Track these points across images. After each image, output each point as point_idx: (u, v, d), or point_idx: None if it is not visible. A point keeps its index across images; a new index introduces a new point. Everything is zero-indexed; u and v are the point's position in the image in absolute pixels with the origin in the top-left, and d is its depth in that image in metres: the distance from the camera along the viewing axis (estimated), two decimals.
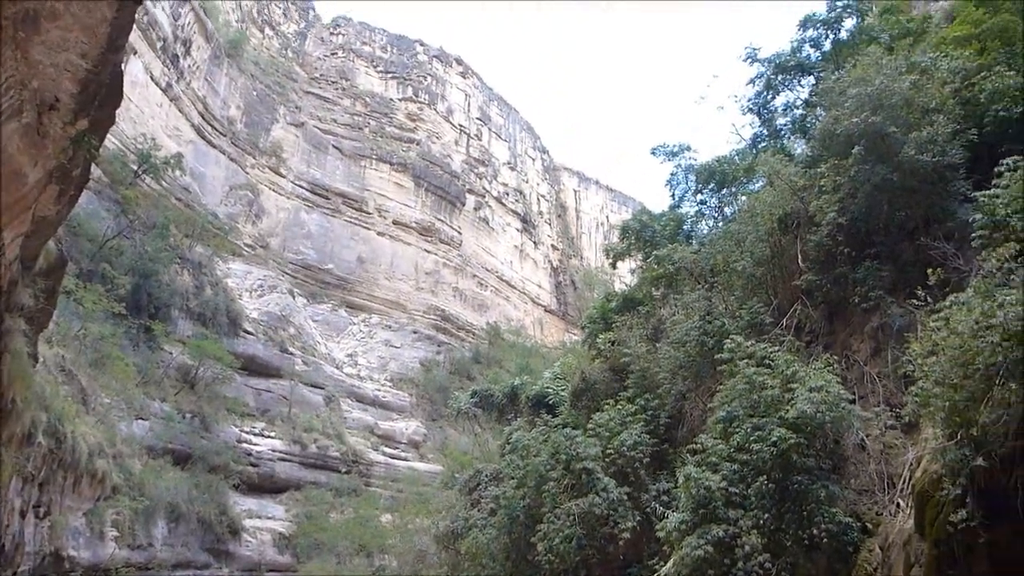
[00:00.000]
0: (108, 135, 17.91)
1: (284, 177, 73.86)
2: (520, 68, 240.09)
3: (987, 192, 11.77)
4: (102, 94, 13.55)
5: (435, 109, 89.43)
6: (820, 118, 19.87)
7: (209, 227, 59.09)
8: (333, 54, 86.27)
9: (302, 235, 73.60)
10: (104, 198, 46.33)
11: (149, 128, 54.72)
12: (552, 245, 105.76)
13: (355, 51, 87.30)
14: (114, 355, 38.08)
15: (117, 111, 14.89)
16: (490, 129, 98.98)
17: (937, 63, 16.87)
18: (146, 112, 56.29)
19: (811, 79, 24.56)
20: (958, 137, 15.34)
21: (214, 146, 66.62)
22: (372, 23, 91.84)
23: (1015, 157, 11.63)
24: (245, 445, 48.34)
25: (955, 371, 9.21)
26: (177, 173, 54.31)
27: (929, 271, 11.69)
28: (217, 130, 67.00)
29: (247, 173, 70.04)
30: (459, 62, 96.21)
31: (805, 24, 24.73)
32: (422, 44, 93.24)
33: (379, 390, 66.41)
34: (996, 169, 11.83)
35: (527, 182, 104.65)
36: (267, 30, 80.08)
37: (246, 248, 66.97)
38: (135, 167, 49.35)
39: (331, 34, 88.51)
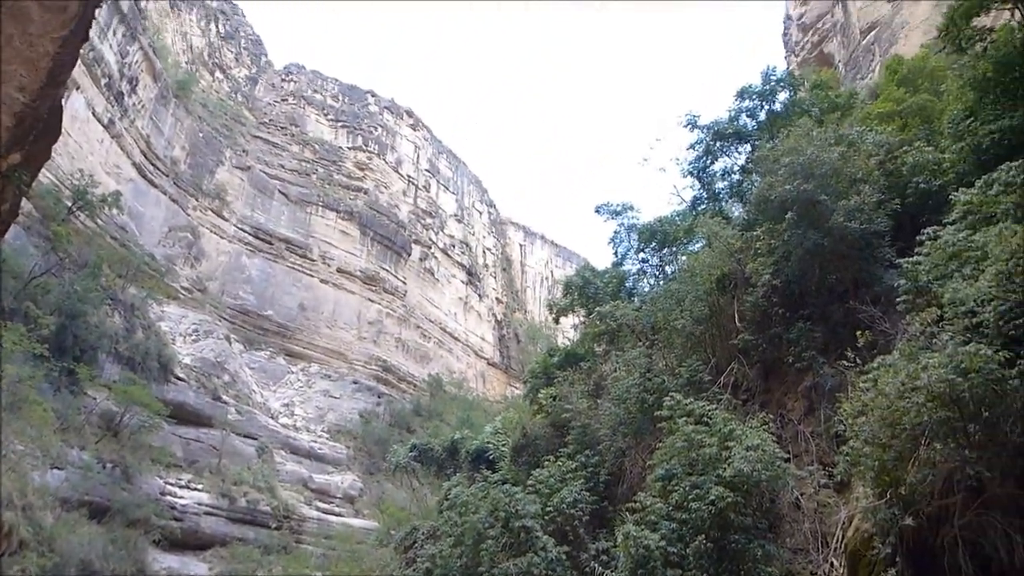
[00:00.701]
0: (43, 170, 17.34)
1: (227, 220, 72.50)
2: (470, 121, 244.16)
3: (910, 259, 12.39)
4: (39, 128, 13.17)
5: (384, 159, 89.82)
6: (756, 184, 20.73)
7: (145, 268, 57.21)
8: (283, 100, 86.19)
9: (242, 280, 71.97)
10: (33, 234, 44.51)
11: (87, 164, 53.23)
12: (497, 298, 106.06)
13: (306, 98, 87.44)
14: (31, 399, 35.96)
15: (54, 146, 14.47)
16: (438, 181, 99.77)
17: (863, 136, 17.92)
18: (85, 148, 54.83)
19: (747, 146, 25.70)
20: (883, 206, 16.20)
21: (155, 186, 65.13)
22: (324, 72, 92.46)
23: (934, 227, 12.31)
24: (169, 498, 45.88)
25: (883, 431, 9.49)
26: (114, 211, 52.73)
27: (858, 333, 12.14)
28: (159, 170, 65.63)
29: (188, 215, 68.52)
30: (410, 114, 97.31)
31: (742, 95, 26.01)
32: (373, 95, 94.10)
33: (315, 442, 64.41)
34: (918, 238, 12.49)
35: (473, 235, 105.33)
36: (217, 73, 79.65)
37: (183, 291, 65.01)
38: (69, 203, 47.74)
39: (282, 80, 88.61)
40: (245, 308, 71.14)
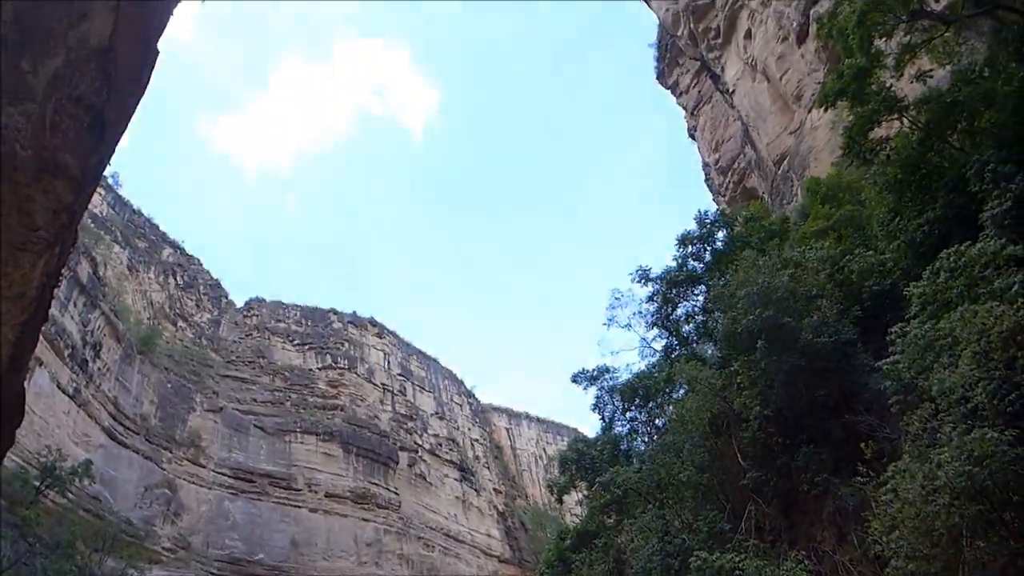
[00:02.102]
0: (7, 454, 16.76)
1: (204, 467, 70.09)
2: (432, 314, 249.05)
3: (888, 360, 12.45)
4: (1, 417, 12.88)
5: (356, 372, 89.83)
6: (719, 321, 21.13)
7: (122, 536, 53.98)
8: (248, 335, 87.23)
9: (227, 527, 68.24)
10: (1, 523, 42.16)
11: (55, 438, 51.88)
12: (495, 489, 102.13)
13: (270, 329, 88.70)
14: None
15: (18, 429, 14.09)
16: (413, 383, 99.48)
17: (806, 256, 18.71)
18: (51, 422, 53.72)
19: (702, 287, 26.50)
20: (845, 315, 16.57)
21: (127, 446, 63.37)
22: (284, 299, 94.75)
23: (900, 324, 12.52)
24: None
25: (921, 542, 8.98)
26: (85, 482, 50.68)
27: (863, 445, 11.86)
28: (130, 429, 64.23)
29: (163, 469, 66.19)
30: (373, 323, 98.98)
31: (683, 242, 27.26)
32: (335, 312, 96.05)
33: None
34: (888, 337, 12.64)
35: (458, 429, 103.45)
36: (180, 322, 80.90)
37: (165, 552, 61.10)
38: (37, 483, 45.82)
39: (245, 317, 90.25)
40: (233, 556, 66.82)
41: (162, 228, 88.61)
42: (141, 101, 11.42)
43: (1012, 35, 16.37)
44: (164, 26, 11.22)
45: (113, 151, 11.96)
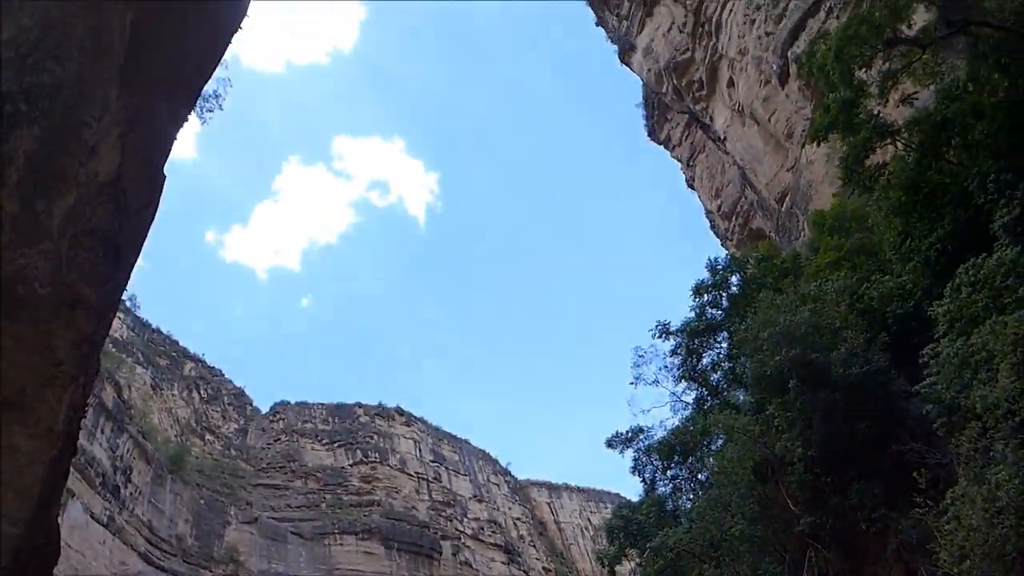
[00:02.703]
0: None
1: None
2: (463, 394, 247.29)
3: (925, 383, 12.17)
4: (36, 558, 12.73)
5: (388, 464, 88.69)
6: (746, 366, 20.84)
7: None
8: (276, 440, 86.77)
9: None
10: None
11: (92, 569, 51.11)
12: (543, 568, 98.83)
13: (298, 431, 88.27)
14: None
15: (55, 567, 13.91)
16: (447, 468, 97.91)
17: (823, 288, 18.57)
18: (88, 555, 53.04)
19: (724, 333, 26.27)
20: (872, 344, 16.29)
21: (164, 570, 62.25)
22: (309, 399, 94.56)
23: (930, 345, 12.30)
24: None
25: (994, 568, 8.56)
26: None
27: (915, 475, 11.46)
28: (166, 552, 63.25)
29: None
30: (400, 412, 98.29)
31: (698, 291, 27.22)
32: (361, 405, 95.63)
33: None
34: (920, 360, 12.39)
35: (498, 509, 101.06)
36: (208, 436, 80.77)
37: None
38: None
39: (271, 422, 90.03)
40: None
41: (182, 343, 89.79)
42: (152, 225, 11.77)
43: (988, 48, 16.66)
44: (169, 151, 11.68)
45: (129, 276, 12.25)
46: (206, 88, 13.68)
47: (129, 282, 12.55)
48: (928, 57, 18.07)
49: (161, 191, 11.61)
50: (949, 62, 18.47)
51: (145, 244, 12.16)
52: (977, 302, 12.38)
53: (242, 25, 12.96)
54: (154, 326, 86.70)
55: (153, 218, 11.71)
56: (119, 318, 76.29)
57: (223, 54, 13.08)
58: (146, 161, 11.03)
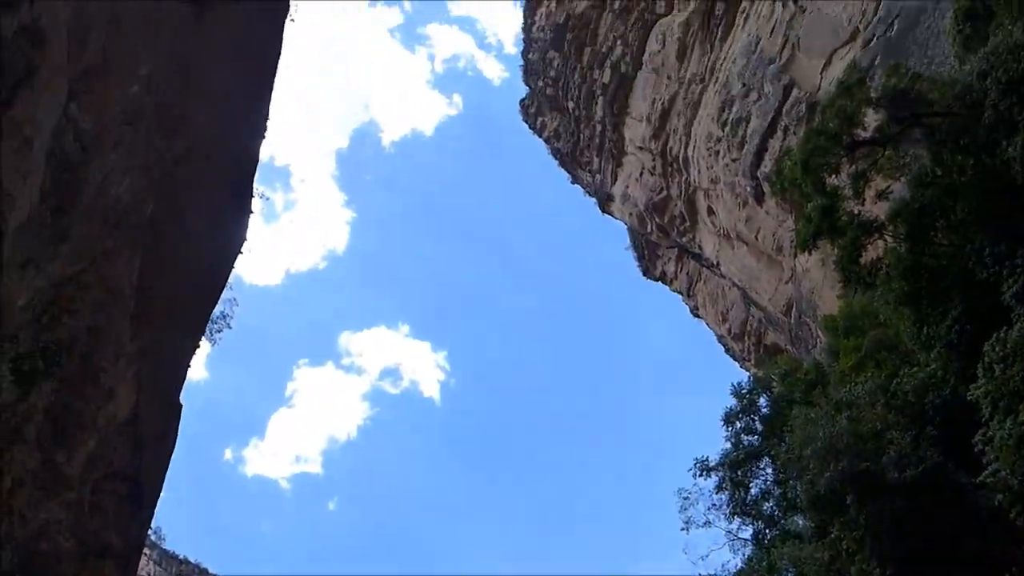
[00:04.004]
0: None
1: None
2: (509, 568, 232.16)
3: (988, 472, 11.57)
4: None
5: None
6: (797, 489, 19.90)
7: None
8: None
9: None
10: None
11: None
12: None
13: None
14: None
15: None
16: None
17: (854, 392, 18.13)
18: None
19: (766, 458, 25.27)
20: (920, 440, 15.65)
21: None
22: None
23: (980, 431, 11.82)
24: None
25: None
26: None
27: None
28: None
29: None
30: None
31: (728, 420, 26.53)
32: None
33: None
34: (975, 449, 11.86)
35: None
36: None
37: None
38: None
39: None
40: None
41: (211, 571, 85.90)
42: (172, 455, 11.71)
43: (943, 134, 17.45)
44: (183, 380, 11.88)
45: (153, 512, 12.00)
46: (214, 311, 14.15)
47: (153, 517, 12.27)
48: (891, 152, 18.90)
49: (178, 419, 11.67)
50: (912, 153, 19.28)
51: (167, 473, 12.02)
52: (1013, 377, 12.08)
53: (243, 249, 13.68)
54: (182, 556, 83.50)
55: (172, 448, 11.66)
56: (145, 554, 73.68)
57: (228, 278, 13.69)
58: (162, 392, 11.18)
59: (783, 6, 34.98)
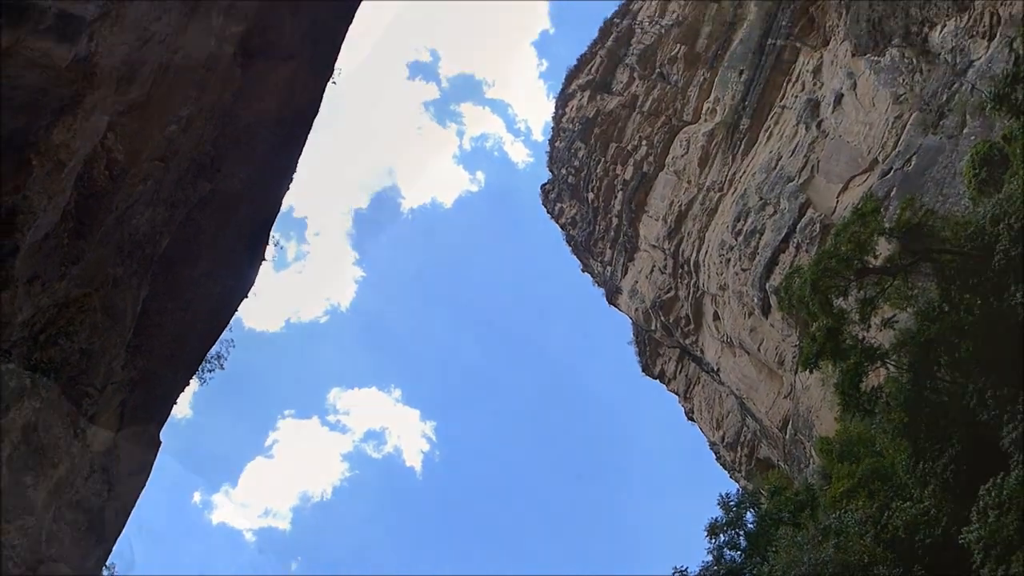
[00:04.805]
0: None
1: None
2: None
3: None
4: None
5: None
6: None
7: None
8: None
9: None
10: None
11: None
12: None
13: None
14: None
15: None
16: None
17: (843, 520, 17.66)
18: None
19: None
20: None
21: None
22: None
23: None
24: None
25: None
26: None
27: None
28: None
29: None
30: None
31: (713, 531, 25.74)
32: None
33: None
34: None
35: None
36: None
37: None
38: None
39: None
40: None
41: None
42: (142, 493, 11.44)
43: (954, 272, 17.64)
44: (167, 416, 11.73)
45: (112, 547, 11.62)
46: (210, 351, 14.10)
47: (112, 553, 11.86)
48: (900, 283, 19.06)
49: (155, 456, 11.45)
50: (920, 286, 19.44)
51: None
52: (1008, 525, 11.78)
53: (249, 293, 13.74)
54: None
55: (144, 484, 11.41)
56: None
57: (230, 320, 13.70)
58: (144, 426, 11.03)
59: (806, 129, 36.15)
